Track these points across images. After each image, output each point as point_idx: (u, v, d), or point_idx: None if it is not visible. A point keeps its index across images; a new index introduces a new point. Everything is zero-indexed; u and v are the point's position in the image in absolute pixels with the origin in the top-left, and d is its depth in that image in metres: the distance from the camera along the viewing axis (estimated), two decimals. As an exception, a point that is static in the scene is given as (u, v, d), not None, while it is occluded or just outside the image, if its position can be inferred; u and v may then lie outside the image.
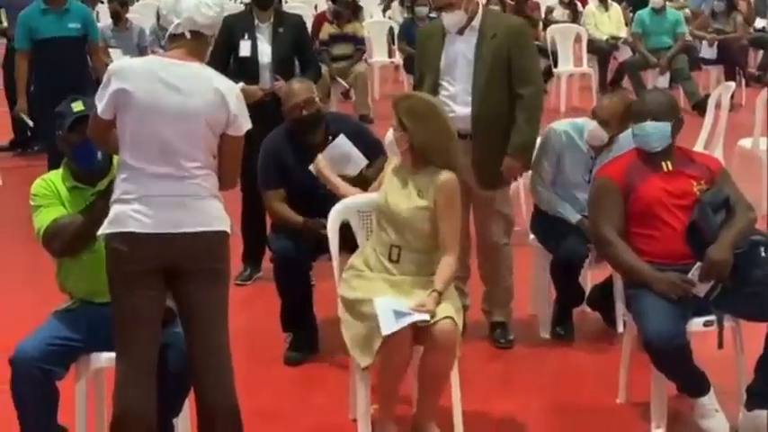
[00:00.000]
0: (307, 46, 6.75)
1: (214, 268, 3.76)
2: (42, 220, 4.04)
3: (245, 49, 6.37)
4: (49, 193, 4.10)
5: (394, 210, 4.41)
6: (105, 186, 3.95)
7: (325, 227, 4.80)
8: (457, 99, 5.29)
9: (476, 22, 5.30)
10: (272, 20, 6.45)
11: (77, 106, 4.10)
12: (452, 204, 4.43)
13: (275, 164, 5.39)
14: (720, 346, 4.39)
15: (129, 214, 3.65)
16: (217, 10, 3.84)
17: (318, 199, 5.19)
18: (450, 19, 5.28)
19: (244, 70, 6.35)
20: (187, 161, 3.70)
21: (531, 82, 5.30)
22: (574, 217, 5.45)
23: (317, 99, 5.43)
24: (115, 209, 3.69)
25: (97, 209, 3.88)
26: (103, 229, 3.70)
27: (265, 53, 6.37)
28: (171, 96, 3.68)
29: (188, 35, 3.78)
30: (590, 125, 5.41)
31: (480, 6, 5.37)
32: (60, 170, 4.20)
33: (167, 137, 3.68)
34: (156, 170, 3.67)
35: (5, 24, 10.90)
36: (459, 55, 5.30)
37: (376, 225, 4.53)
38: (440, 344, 4.18)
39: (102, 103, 3.69)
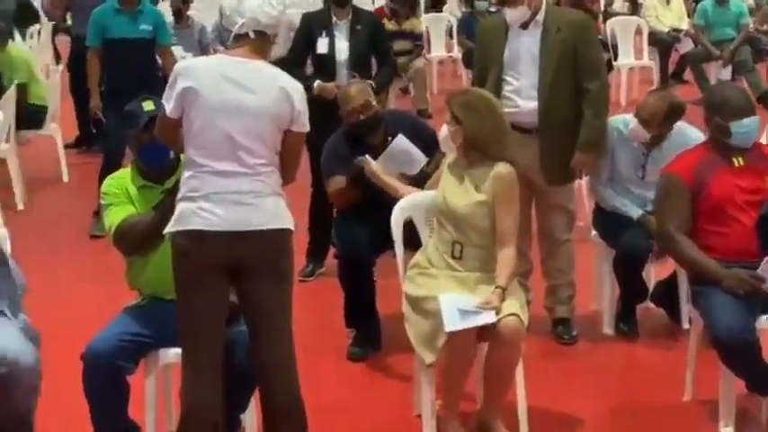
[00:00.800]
0: (383, 43, 6.77)
1: (278, 265, 3.79)
2: (113, 218, 4.11)
3: (322, 46, 6.42)
4: (119, 191, 4.17)
5: (452, 207, 4.42)
6: (173, 184, 4.00)
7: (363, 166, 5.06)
8: (522, 93, 5.29)
9: (539, 17, 5.29)
10: (349, 17, 6.50)
11: (148, 106, 4.17)
12: (510, 197, 4.42)
13: (337, 158, 5.42)
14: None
15: (194, 212, 3.69)
16: (280, 9, 3.88)
17: (380, 198, 5.16)
18: (513, 14, 5.27)
19: (321, 67, 6.42)
20: (252, 158, 3.73)
21: (597, 76, 5.28)
22: (635, 212, 5.41)
23: (373, 102, 5.45)
24: (181, 207, 3.73)
25: (165, 207, 3.93)
26: (170, 228, 3.74)
27: (342, 50, 6.42)
28: (237, 94, 3.72)
29: (252, 35, 3.81)
30: (631, 123, 5.38)
31: (544, 1, 5.35)
32: (129, 169, 4.27)
33: (233, 134, 3.71)
34: (221, 167, 3.70)
35: (69, 23, 11.05)
36: (524, 49, 5.29)
37: (436, 223, 4.54)
38: (505, 341, 4.18)
39: (169, 102, 3.73)
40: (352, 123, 5.39)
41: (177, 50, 9.75)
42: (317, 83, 6.31)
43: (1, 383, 3.80)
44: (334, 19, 6.47)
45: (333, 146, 5.48)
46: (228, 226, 3.69)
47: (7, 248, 4.17)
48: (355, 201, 5.29)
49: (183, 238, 3.70)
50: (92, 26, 7.60)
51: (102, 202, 4.20)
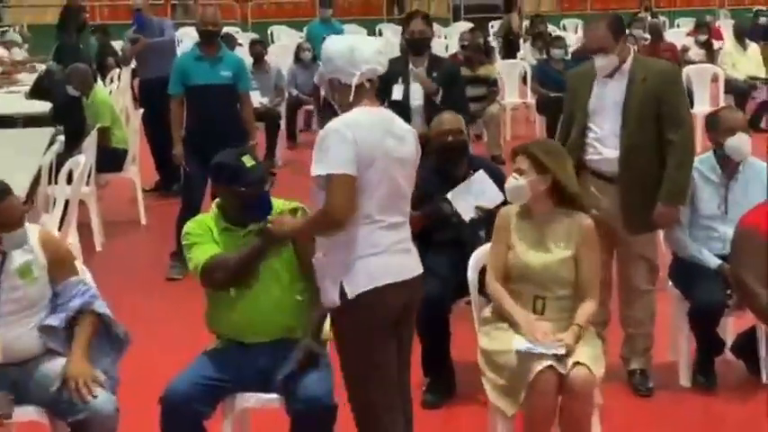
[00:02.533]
0: (458, 92, 6.80)
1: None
2: (199, 255, 4.17)
3: (397, 92, 6.48)
4: (203, 232, 4.24)
5: (532, 265, 4.41)
6: (259, 228, 4.11)
7: (441, 210, 5.22)
8: (605, 142, 5.28)
9: (626, 66, 5.28)
10: (425, 65, 6.55)
11: (249, 161, 4.21)
12: (593, 248, 4.47)
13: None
14: None
15: (382, 268, 3.76)
16: (387, 52, 3.92)
17: (450, 224, 5.35)
18: (602, 62, 5.26)
19: (396, 114, 6.44)
20: (407, 206, 3.90)
21: (681, 126, 5.25)
22: (713, 262, 5.35)
23: (464, 131, 5.62)
24: (366, 264, 3.75)
25: (260, 246, 4.09)
26: (362, 287, 3.74)
27: (417, 97, 6.46)
28: (397, 145, 3.83)
29: (367, 84, 3.86)
30: (734, 140, 5.34)
31: (632, 52, 5.36)
32: (211, 212, 4.33)
33: (402, 186, 3.85)
34: (393, 220, 3.82)
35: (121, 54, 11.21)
36: (609, 98, 5.28)
37: (508, 281, 4.50)
38: (575, 391, 4.16)
39: (346, 162, 3.66)
40: (442, 145, 5.51)
41: (254, 95, 9.91)
42: None
43: (79, 429, 3.88)
44: (411, 66, 6.53)
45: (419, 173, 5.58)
46: (405, 275, 3.84)
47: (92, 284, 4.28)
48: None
49: (375, 294, 3.75)
50: (174, 74, 7.72)
51: (185, 242, 4.26)
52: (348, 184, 3.67)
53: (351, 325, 3.78)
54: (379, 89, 6.44)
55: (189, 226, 4.30)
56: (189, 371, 4.13)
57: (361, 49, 3.83)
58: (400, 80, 6.50)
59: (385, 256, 3.77)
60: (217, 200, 4.37)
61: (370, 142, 3.70)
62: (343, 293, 3.74)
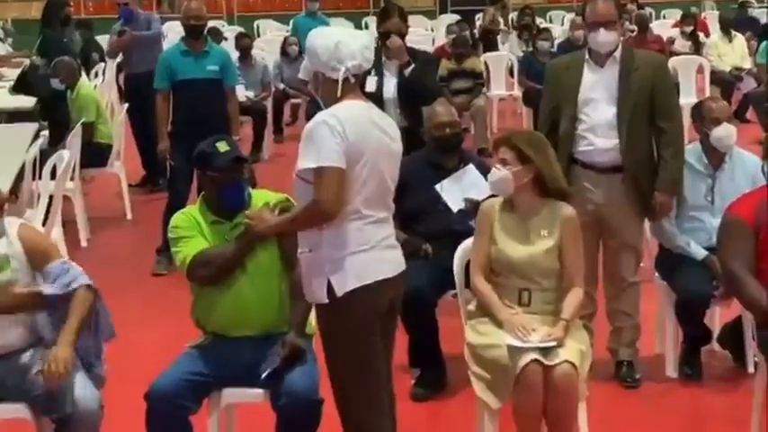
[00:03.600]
0: (431, 83, 6.77)
1: None
2: (187, 250, 4.16)
3: (370, 85, 6.43)
4: (190, 225, 4.23)
5: (513, 256, 4.40)
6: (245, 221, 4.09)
7: (420, 250, 5.20)
8: (597, 131, 5.25)
9: (617, 54, 5.27)
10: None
11: (223, 147, 4.22)
12: (577, 237, 4.47)
13: (400, 184, 5.43)
14: None
15: (372, 264, 3.74)
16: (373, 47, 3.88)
17: (438, 214, 5.41)
18: (606, 37, 5.20)
19: None
20: (391, 201, 3.88)
21: (673, 115, 5.28)
22: (700, 253, 5.36)
23: (459, 123, 5.69)
24: (356, 261, 3.70)
25: (246, 240, 4.09)
26: (351, 284, 3.69)
27: (391, 89, 6.43)
28: (385, 140, 3.81)
29: (352, 79, 3.80)
30: (720, 131, 5.36)
31: (620, 39, 5.35)
32: (197, 204, 4.32)
33: (388, 180, 3.82)
34: (381, 215, 3.80)
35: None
36: (601, 87, 5.25)
37: (494, 275, 4.48)
38: (559, 388, 4.16)
39: (335, 155, 3.61)
40: (439, 136, 5.55)
41: (240, 89, 9.87)
42: None
43: (63, 426, 3.87)
44: (384, 58, 6.50)
45: (404, 168, 5.51)
46: (394, 270, 3.83)
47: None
48: None
49: (365, 291, 3.72)
50: (159, 68, 7.69)
51: (173, 235, 4.25)
52: (339, 177, 3.62)
53: (339, 323, 3.74)
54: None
55: (176, 219, 4.29)
56: (174, 367, 4.12)
57: (347, 43, 3.76)
58: (373, 72, 6.45)
59: (373, 253, 3.74)
60: (203, 192, 4.37)
61: (358, 136, 3.67)
62: (330, 291, 3.69)
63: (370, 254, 3.73)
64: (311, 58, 3.81)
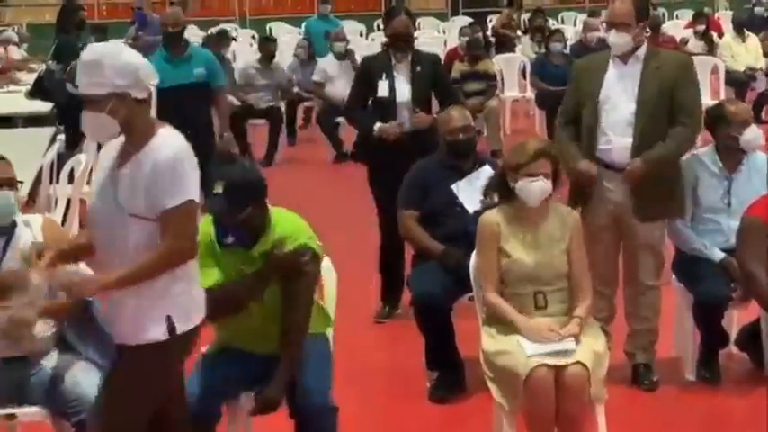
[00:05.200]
0: (445, 83, 6.80)
1: None
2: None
3: (382, 89, 6.45)
4: (205, 249, 3.92)
5: (530, 264, 4.44)
6: (268, 249, 3.98)
7: (462, 262, 4.99)
8: (615, 130, 5.23)
9: (640, 53, 5.25)
10: (409, 59, 6.51)
11: (218, 187, 3.93)
12: (582, 242, 4.57)
13: (418, 184, 5.63)
14: None
15: (202, 300, 3.62)
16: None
17: (455, 216, 5.43)
18: (619, 39, 5.20)
19: (382, 110, 6.45)
20: None
21: (692, 113, 5.26)
22: (717, 256, 5.34)
23: (473, 127, 5.74)
24: (194, 297, 3.56)
25: (259, 284, 3.97)
26: (192, 322, 3.53)
27: (403, 92, 6.43)
28: None
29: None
30: (747, 134, 5.33)
31: (645, 40, 5.33)
32: (210, 226, 4.08)
33: None
34: None
35: None
36: (622, 84, 5.24)
37: (505, 286, 4.48)
38: (569, 389, 4.19)
39: (197, 187, 3.48)
40: (453, 141, 5.60)
41: (261, 96, 9.78)
42: (378, 125, 6.36)
43: (83, 429, 3.88)
44: (394, 61, 6.49)
45: (424, 164, 5.69)
46: None
47: None
48: None
49: (197, 327, 3.58)
50: None
51: None
52: (195, 213, 3.47)
53: (167, 362, 3.53)
54: (364, 85, 6.52)
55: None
56: (198, 373, 4.09)
57: (141, 59, 3.47)
58: (384, 76, 6.46)
59: (198, 287, 3.62)
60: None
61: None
62: (172, 329, 3.45)
63: (199, 289, 3.61)
64: (123, 76, 3.37)
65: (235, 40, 13.95)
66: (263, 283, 3.97)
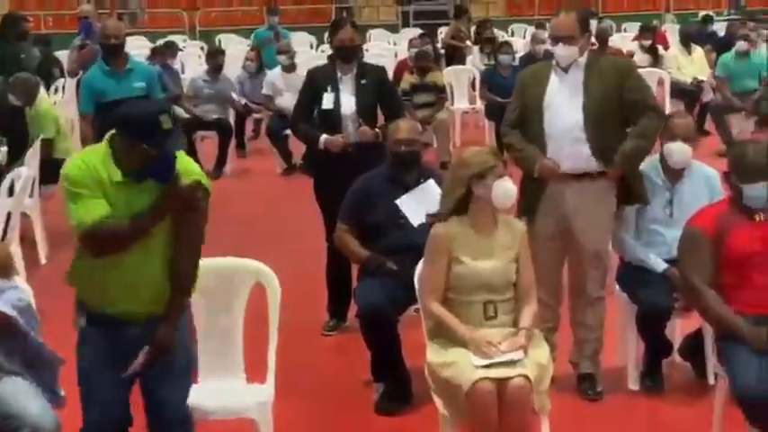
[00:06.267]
0: (391, 96, 6.76)
1: None
2: (84, 214, 3.80)
3: (327, 101, 6.42)
4: (91, 182, 3.82)
5: (481, 271, 4.44)
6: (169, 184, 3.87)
7: (384, 266, 5.21)
8: (562, 137, 5.25)
9: (581, 60, 5.29)
10: (354, 71, 6.49)
11: (167, 123, 3.84)
12: (528, 253, 4.60)
13: (361, 197, 5.62)
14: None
15: None
16: None
17: (400, 228, 5.45)
18: (565, 51, 5.24)
19: (327, 122, 6.43)
20: None
21: (654, 108, 5.34)
22: (660, 266, 5.38)
23: (419, 140, 5.71)
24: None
25: (156, 214, 3.85)
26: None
27: (348, 105, 6.41)
28: None
29: None
30: (673, 146, 5.38)
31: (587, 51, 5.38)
32: (102, 157, 3.89)
33: None
34: None
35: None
36: (566, 92, 5.27)
37: (457, 294, 4.48)
38: (513, 402, 4.20)
39: None
40: (395, 152, 5.59)
41: (208, 107, 9.74)
42: (323, 137, 6.33)
43: None
44: (339, 74, 6.47)
45: (368, 178, 5.67)
46: None
47: (32, 304, 4.19)
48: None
49: None
50: (83, 92, 7.53)
51: (69, 187, 3.84)
52: None
53: None
54: (309, 97, 6.50)
55: (74, 169, 3.86)
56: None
57: None
58: (329, 88, 6.44)
59: None
60: (108, 143, 3.93)
61: None
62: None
63: None
64: None
65: (180, 50, 13.88)
66: (160, 217, 3.86)
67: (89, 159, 3.89)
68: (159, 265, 3.94)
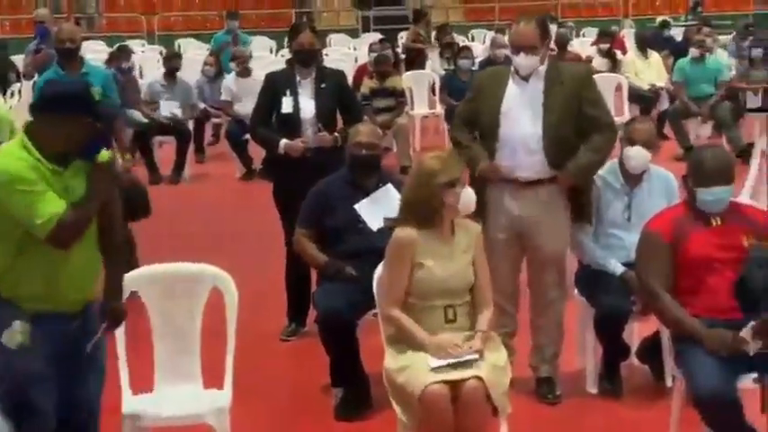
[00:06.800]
0: (350, 100, 6.76)
1: None
2: (52, 208, 3.75)
3: (287, 105, 6.40)
4: (38, 177, 3.77)
5: (443, 275, 4.44)
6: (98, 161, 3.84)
7: (343, 272, 5.25)
8: (519, 145, 5.25)
9: (542, 69, 5.28)
10: (313, 76, 6.47)
11: (97, 92, 3.88)
12: (484, 255, 4.63)
13: (320, 201, 5.60)
14: (763, 410, 4.29)
15: None
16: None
17: (359, 233, 5.44)
18: (526, 60, 5.22)
19: (286, 126, 6.40)
20: None
21: (609, 125, 5.34)
22: (618, 269, 5.41)
23: (379, 145, 5.71)
24: None
25: (96, 200, 3.86)
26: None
27: (308, 109, 6.40)
28: None
29: None
30: (631, 151, 5.42)
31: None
32: (23, 149, 3.81)
33: None
34: None
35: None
36: (525, 101, 5.26)
37: (418, 299, 4.46)
38: (467, 404, 4.20)
39: None
40: (354, 155, 5.58)
41: (167, 105, 9.68)
42: (283, 142, 6.31)
43: None
44: (299, 78, 6.45)
45: (327, 182, 5.64)
46: None
47: None
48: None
49: None
50: (37, 95, 7.49)
51: (25, 188, 3.73)
52: None
53: None
54: (268, 101, 6.48)
55: (20, 169, 3.74)
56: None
57: None
58: (288, 92, 6.42)
59: None
60: (26, 134, 3.85)
61: None
62: None
63: None
64: None
65: (134, 53, 13.81)
66: (101, 196, 3.87)
67: (20, 155, 3.78)
68: (94, 247, 3.98)
